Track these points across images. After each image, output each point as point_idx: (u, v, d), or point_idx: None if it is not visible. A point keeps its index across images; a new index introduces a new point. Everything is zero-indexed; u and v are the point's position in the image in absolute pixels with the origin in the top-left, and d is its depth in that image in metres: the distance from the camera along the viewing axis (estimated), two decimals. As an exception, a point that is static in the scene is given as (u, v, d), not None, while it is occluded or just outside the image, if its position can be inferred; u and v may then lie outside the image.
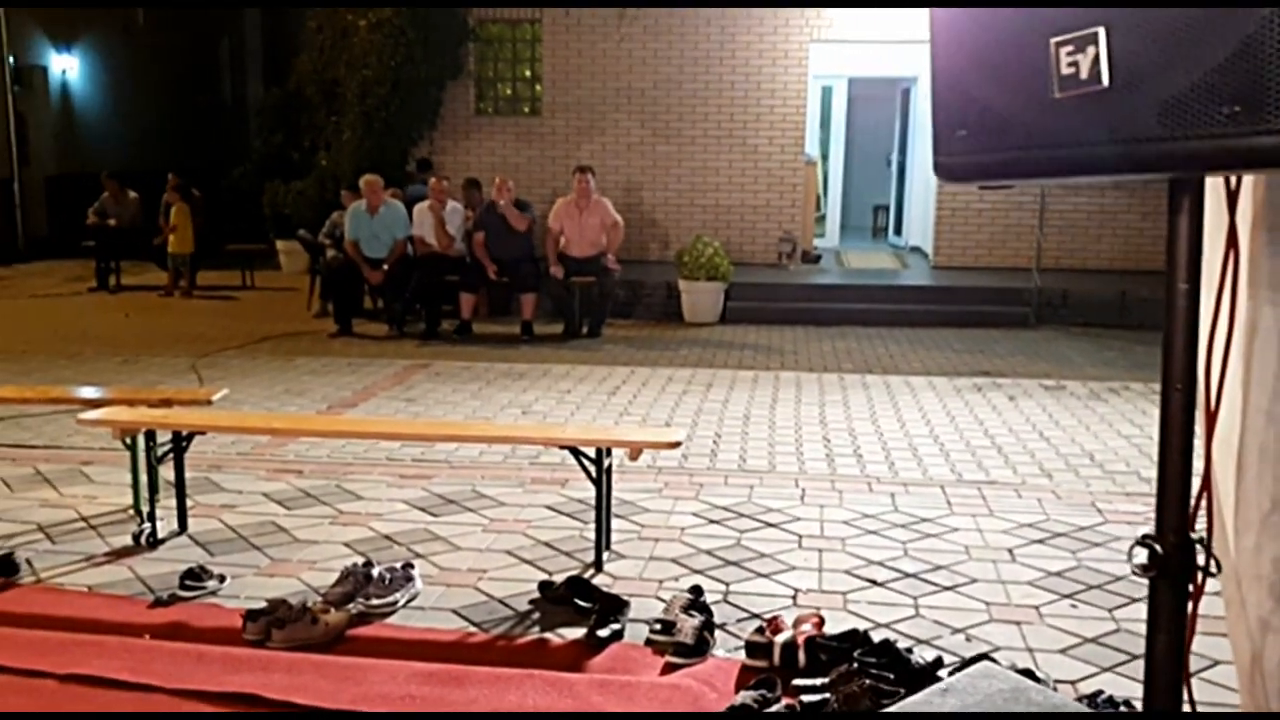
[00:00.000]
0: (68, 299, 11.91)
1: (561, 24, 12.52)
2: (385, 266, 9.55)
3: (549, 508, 4.69)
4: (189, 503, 4.40)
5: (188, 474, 4.40)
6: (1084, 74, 1.13)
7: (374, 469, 5.22)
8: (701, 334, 9.85)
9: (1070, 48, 1.14)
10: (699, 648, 3.23)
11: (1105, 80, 1.12)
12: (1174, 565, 1.29)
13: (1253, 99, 1.01)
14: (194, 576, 3.70)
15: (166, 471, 4.31)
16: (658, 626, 3.37)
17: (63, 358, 8.17)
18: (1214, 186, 1.36)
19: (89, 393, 4.96)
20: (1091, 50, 1.12)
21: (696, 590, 3.59)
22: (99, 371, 7.63)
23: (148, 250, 12.51)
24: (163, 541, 4.19)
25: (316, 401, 6.77)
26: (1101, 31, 1.11)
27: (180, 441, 4.18)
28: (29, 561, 3.94)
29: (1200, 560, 1.32)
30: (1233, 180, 1.40)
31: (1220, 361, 1.50)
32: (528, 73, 12.91)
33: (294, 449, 5.50)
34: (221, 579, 3.76)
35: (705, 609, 3.46)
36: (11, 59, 15.03)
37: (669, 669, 3.18)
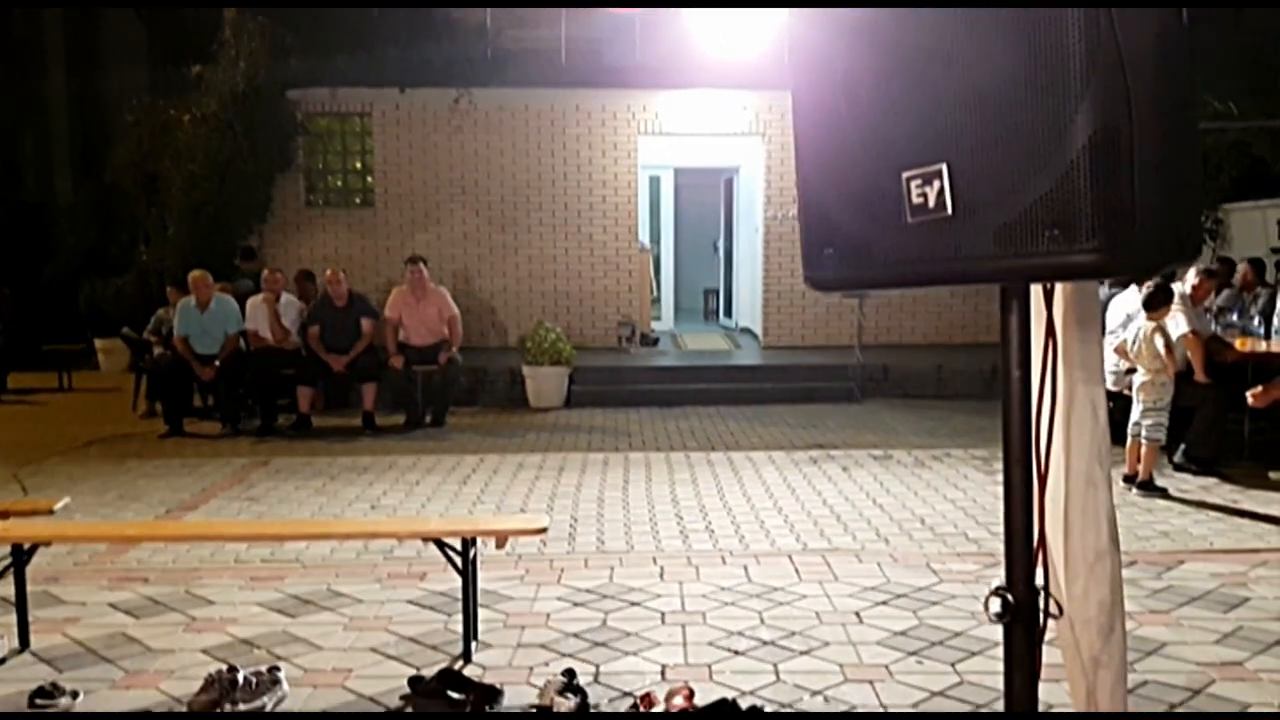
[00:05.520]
0: None
1: (391, 117, 12.65)
2: (217, 363, 9.31)
3: (410, 602, 4.67)
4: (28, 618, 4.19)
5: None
6: (931, 203, 1.36)
7: (223, 572, 5.07)
8: (548, 419, 9.97)
9: (919, 181, 1.37)
10: (577, 729, 3.31)
11: (949, 209, 1.35)
12: (1025, 611, 1.50)
13: (1068, 224, 1.25)
14: (44, 694, 3.52)
15: (4, 587, 4.10)
16: (534, 711, 3.43)
17: None
18: (1034, 287, 1.62)
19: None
20: (937, 184, 1.35)
21: (570, 673, 3.67)
22: (-96, 485, 7.12)
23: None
24: (3, 661, 3.96)
25: (154, 506, 6.51)
26: (944, 168, 1.34)
27: (21, 555, 3.99)
28: None
29: (1044, 605, 1.53)
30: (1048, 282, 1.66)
31: (1046, 433, 1.74)
32: (359, 165, 12.95)
33: (135, 555, 5.28)
34: (75, 695, 3.59)
35: (579, 691, 3.55)
36: None
37: (549, 752, 3.24)
